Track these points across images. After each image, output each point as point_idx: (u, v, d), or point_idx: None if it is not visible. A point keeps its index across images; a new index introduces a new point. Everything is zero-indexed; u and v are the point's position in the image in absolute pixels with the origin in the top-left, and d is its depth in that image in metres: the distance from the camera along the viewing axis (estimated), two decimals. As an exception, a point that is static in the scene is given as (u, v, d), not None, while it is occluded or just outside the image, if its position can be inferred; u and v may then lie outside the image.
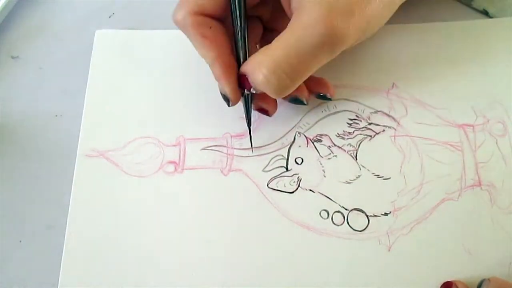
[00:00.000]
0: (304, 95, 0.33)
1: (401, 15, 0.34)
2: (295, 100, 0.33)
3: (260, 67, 0.29)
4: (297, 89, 0.32)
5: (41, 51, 0.40)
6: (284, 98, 0.33)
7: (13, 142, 0.36)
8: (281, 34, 0.29)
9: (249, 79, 0.30)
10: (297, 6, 0.29)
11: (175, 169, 0.35)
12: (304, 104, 0.34)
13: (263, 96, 0.32)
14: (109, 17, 0.40)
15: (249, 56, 0.31)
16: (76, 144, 0.35)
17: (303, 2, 0.29)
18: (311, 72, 0.30)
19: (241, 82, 0.31)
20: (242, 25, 0.31)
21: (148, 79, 0.37)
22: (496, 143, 0.34)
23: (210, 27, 0.31)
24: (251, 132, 0.34)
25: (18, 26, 0.40)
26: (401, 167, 0.34)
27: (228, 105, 0.32)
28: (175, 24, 0.32)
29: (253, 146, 0.35)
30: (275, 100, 0.34)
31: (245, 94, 0.32)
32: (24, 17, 0.41)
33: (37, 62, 0.39)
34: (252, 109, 0.34)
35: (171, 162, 0.35)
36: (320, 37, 0.28)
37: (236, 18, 0.30)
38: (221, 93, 0.32)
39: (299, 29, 0.29)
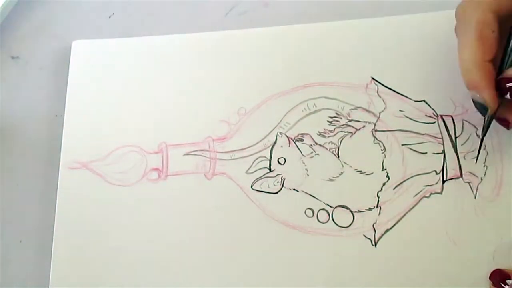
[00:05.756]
0: None
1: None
2: None
3: None
4: None
5: (41, 51, 0.40)
6: None
7: (13, 142, 0.37)
8: None
9: None
10: None
11: (159, 176, 0.35)
12: None
13: (510, 106, 0.31)
14: (109, 17, 0.40)
15: None
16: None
17: None
18: None
19: (503, 87, 0.30)
20: None
21: (126, 87, 0.37)
22: (476, 132, 0.34)
23: (493, 31, 0.30)
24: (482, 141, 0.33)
25: (18, 26, 0.41)
26: (383, 161, 0.34)
27: (484, 114, 0.31)
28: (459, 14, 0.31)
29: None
30: None
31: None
32: (24, 17, 0.41)
33: (37, 62, 0.39)
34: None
35: (154, 169, 0.35)
36: None
37: None
38: (476, 102, 0.31)
39: None
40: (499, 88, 0.30)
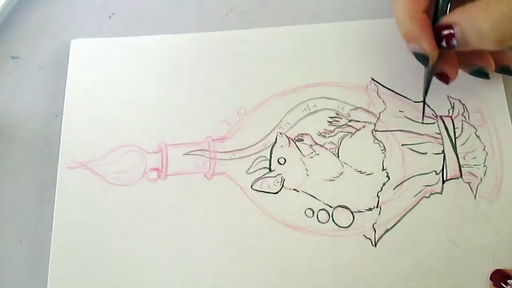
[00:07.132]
0: (490, 66, 0.32)
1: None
2: (479, 72, 0.33)
3: (478, 15, 0.28)
4: (483, 58, 0.32)
5: (41, 51, 0.40)
6: (467, 69, 0.33)
7: (13, 142, 0.36)
8: None
9: (456, 30, 0.29)
10: None
11: (159, 176, 0.35)
12: (488, 78, 0.33)
13: (448, 59, 0.32)
14: (109, 17, 0.40)
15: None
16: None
17: None
18: None
19: (440, 37, 0.30)
20: None
21: (126, 86, 0.37)
22: (475, 132, 0.34)
23: None
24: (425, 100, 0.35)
25: (18, 26, 0.40)
26: (382, 161, 0.34)
27: (426, 65, 0.31)
28: None
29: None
30: (457, 65, 0.33)
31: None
32: (24, 17, 0.41)
33: (37, 62, 0.39)
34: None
35: (154, 169, 0.35)
36: None
37: None
38: (416, 54, 0.31)
39: None
40: (436, 37, 0.30)
